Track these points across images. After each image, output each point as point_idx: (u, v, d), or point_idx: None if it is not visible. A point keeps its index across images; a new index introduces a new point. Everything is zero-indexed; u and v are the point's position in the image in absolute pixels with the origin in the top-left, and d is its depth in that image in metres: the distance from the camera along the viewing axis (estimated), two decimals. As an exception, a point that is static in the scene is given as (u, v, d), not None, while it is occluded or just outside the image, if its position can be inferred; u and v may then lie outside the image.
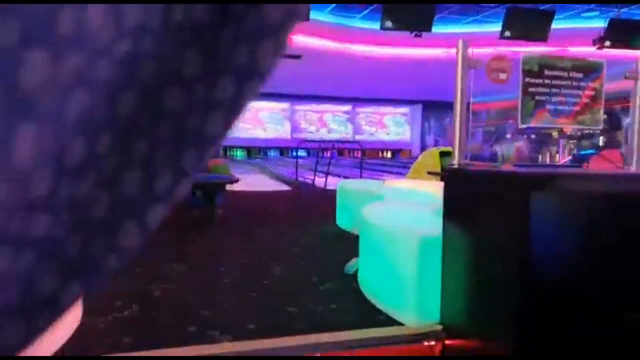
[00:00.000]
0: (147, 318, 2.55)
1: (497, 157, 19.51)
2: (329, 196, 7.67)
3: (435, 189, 4.59)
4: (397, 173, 13.91)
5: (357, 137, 25.85)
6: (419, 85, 18.17)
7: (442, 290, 2.42)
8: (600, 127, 2.58)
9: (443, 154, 8.51)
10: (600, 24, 9.14)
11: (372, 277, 2.90)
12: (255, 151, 25.21)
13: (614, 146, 6.10)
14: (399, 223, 2.74)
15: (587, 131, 15.05)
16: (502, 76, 2.49)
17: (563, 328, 1.99)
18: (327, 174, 9.25)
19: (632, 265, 2.01)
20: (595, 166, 7.27)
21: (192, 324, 2.43)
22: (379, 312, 2.64)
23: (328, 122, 25.66)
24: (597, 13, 9.25)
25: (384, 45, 10.70)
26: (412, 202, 3.75)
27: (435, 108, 24.33)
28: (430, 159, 8.48)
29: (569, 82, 2.51)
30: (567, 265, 2.05)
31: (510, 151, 19.51)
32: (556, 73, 2.50)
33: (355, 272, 3.33)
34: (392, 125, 26.57)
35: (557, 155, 15.15)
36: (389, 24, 7.27)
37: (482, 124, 20.90)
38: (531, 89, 2.46)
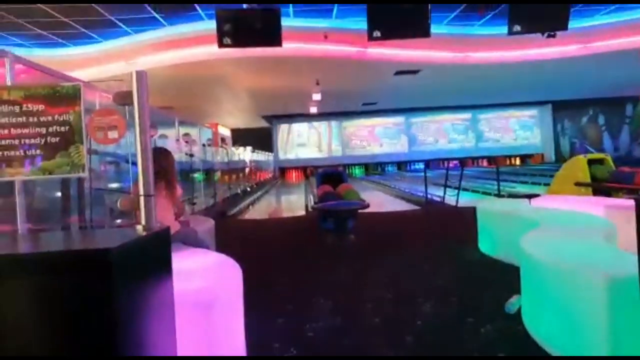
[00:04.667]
0: (308, 364, 2.56)
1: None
2: (463, 215, 7.27)
3: (599, 209, 4.07)
4: (532, 183, 12.82)
5: (480, 145, 24.60)
6: (548, 85, 16.69)
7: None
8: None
9: (591, 162, 7.62)
10: None
11: (544, 320, 2.59)
12: (373, 167, 25.25)
13: None
14: (577, 260, 2.42)
15: None
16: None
17: None
18: (458, 189, 8.81)
19: None
20: None
21: (354, 373, 2.38)
22: (559, 362, 2.34)
23: (447, 133, 24.77)
24: None
25: (507, 50, 10.00)
26: (574, 228, 3.33)
27: (568, 107, 22.13)
28: (576, 168, 7.65)
29: None
30: None
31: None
32: None
33: (517, 312, 3.03)
34: (519, 129, 24.75)
35: None
36: (517, 28, 6.75)
37: (628, 121, 18.45)
38: None
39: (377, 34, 6.64)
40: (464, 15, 8.96)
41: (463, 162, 22.28)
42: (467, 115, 24.54)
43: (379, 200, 11.17)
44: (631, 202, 4.43)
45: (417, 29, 6.69)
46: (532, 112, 24.47)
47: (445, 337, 2.85)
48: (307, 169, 24.23)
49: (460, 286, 3.88)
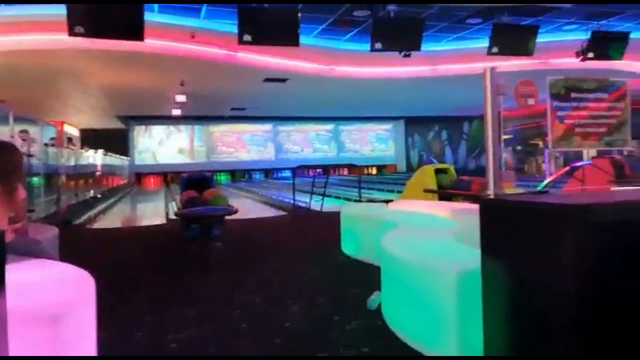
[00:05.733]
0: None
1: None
2: (327, 220, 7.54)
3: (446, 212, 4.53)
4: (387, 190, 13.89)
5: (342, 155, 25.99)
6: (402, 102, 18.35)
7: (485, 326, 2.30)
8: (629, 147, 2.53)
9: (438, 171, 8.52)
10: (581, 36, 9.33)
11: (403, 314, 2.76)
12: (240, 174, 25.01)
13: (604, 155, 6.26)
14: (432, 256, 2.63)
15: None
16: (531, 101, 2.43)
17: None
18: (323, 196, 9.13)
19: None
20: (591, 176, 7.27)
21: (222, 383, 2.25)
22: (417, 352, 2.51)
23: (312, 142, 25.69)
24: (577, 26, 9.45)
25: (368, 66, 10.74)
26: (428, 229, 3.64)
27: (417, 123, 24.58)
28: (425, 177, 8.47)
29: (595, 104, 2.46)
30: (619, 296, 1.96)
31: (498, 163, 19.76)
32: (582, 95, 2.45)
33: (378, 307, 3.20)
34: (376, 141, 26.75)
35: (544, 165, 15.44)
36: (378, 45, 7.27)
37: (465, 137, 21.17)
38: (560, 113, 2.40)
39: (247, 37, 6.59)
40: (331, 29, 9.39)
41: (326, 170, 23.31)
42: (330, 126, 25.75)
43: (247, 207, 11.05)
44: (469, 206, 4.98)
45: (288, 37, 6.81)
46: (388, 126, 26.64)
47: (313, 336, 2.87)
48: (168, 175, 23.02)
49: (326, 287, 3.98)
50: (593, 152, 6.07)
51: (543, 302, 2.00)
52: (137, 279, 4.44)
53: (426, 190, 8.12)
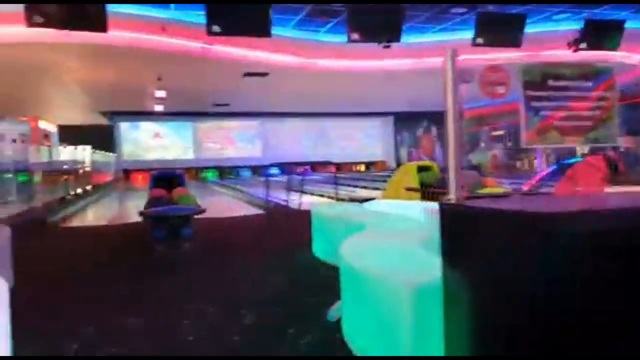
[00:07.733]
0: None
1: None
2: (305, 218, 7.23)
3: (420, 212, 4.24)
4: (373, 188, 13.60)
5: (330, 152, 25.67)
6: (389, 98, 18.02)
7: (447, 344, 2.02)
8: (616, 143, 2.21)
9: (421, 169, 8.22)
10: (572, 26, 9.02)
11: (357, 329, 2.47)
12: (227, 171, 24.63)
13: (598, 152, 5.96)
14: (387, 267, 2.33)
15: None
16: (500, 89, 2.11)
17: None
18: (301, 193, 8.85)
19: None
20: (583, 174, 6.99)
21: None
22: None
23: (300, 138, 25.32)
24: (568, 15, 9.13)
25: (351, 59, 10.39)
26: (396, 232, 3.35)
27: (406, 120, 24.31)
28: (407, 174, 8.15)
29: (577, 93, 2.15)
30: (585, 310, 1.69)
31: (485, 160, 19.64)
32: (562, 83, 2.13)
33: (339, 320, 2.91)
34: (364, 138, 26.45)
35: (535, 162, 15.18)
36: (355, 36, 6.97)
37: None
38: (534, 103, 2.09)
39: (216, 28, 6.27)
40: (310, 19, 9.04)
41: (313, 167, 23.07)
42: (317, 122, 25.40)
43: (227, 205, 10.74)
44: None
45: (258, 28, 6.49)
46: (376, 122, 26.34)
47: (261, 352, 2.59)
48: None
49: (288, 294, 3.70)
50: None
51: (506, 317, 1.73)
52: (90, 283, 4.13)
53: (408, 189, 7.83)
